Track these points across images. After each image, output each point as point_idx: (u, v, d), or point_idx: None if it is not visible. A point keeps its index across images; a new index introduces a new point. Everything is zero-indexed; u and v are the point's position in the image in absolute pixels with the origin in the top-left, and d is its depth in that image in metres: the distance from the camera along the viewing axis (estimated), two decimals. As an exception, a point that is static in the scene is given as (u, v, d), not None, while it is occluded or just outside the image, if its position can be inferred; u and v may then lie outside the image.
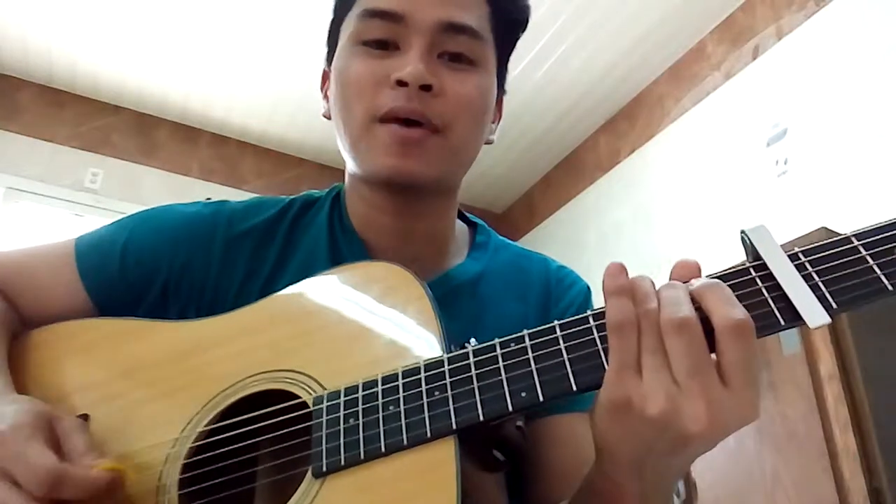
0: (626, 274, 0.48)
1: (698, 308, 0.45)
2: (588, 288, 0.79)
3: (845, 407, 2.08)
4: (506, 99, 0.81)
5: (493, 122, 0.77)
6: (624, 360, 0.45)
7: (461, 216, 0.82)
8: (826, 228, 2.00)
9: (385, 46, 0.68)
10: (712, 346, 0.44)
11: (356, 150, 0.69)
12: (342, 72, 0.70)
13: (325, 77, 0.79)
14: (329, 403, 0.53)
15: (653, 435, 0.44)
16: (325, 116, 0.78)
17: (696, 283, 0.46)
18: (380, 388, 0.52)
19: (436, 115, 0.66)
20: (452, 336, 0.55)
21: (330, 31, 0.76)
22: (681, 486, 2.45)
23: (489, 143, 0.76)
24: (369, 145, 0.67)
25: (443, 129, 0.67)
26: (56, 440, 0.52)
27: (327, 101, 0.77)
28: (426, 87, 0.65)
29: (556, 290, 0.77)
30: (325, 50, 0.78)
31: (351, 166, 0.73)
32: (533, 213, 4.32)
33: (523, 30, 0.77)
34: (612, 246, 3.53)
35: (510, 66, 0.79)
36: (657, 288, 0.47)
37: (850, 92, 2.45)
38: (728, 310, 0.44)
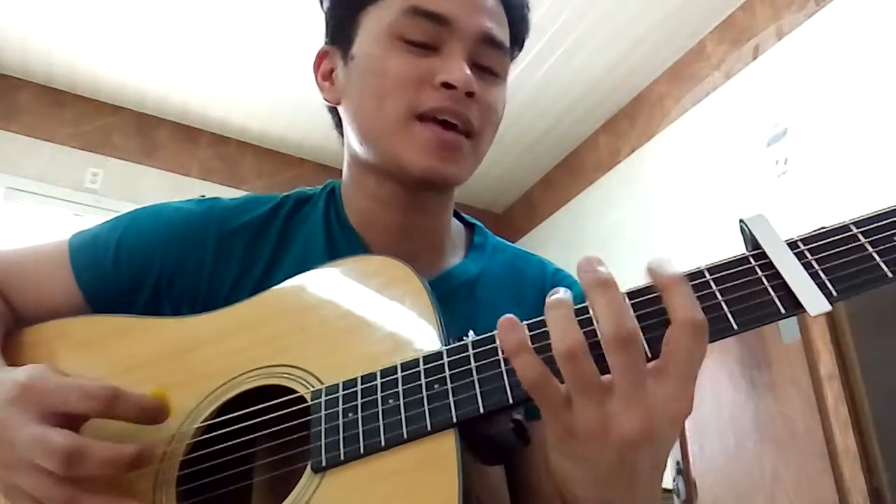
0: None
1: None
2: None
3: (845, 407, 2.08)
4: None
5: None
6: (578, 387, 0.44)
7: (458, 216, 0.81)
8: (826, 228, 2.00)
9: (424, 45, 0.67)
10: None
11: (382, 142, 0.68)
12: (377, 63, 0.68)
13: (324, 56, 0.76)
14: (327, 398, 0.53)
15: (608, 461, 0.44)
16: (328, 101, 0.75)
17: (666, 271, 0.46)
18: (378, 381, 0.51)
19: (475, 120, 0.68)
20: (449, 334, 0.54)
21: (347, 10, 0.72)
22: (681, 485, 2.45)
23: None
24: (403, 141, 0.66)
25: (474, 135, 0.68)
26: (47, 406, 0.51)
27: (331, 84, 0.74)
28: (470, 94, 0.66)
29: None
30: (325, 30, 0.75)
31: (365, 155, 0.71)
32: (533, 213, 4.32)
33: (520, 49, 0.78)
34: (611, 246, 3.53)
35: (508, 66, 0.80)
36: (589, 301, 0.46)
37: (850, 92, 2.45)
38: (693, 309, 0.44)
